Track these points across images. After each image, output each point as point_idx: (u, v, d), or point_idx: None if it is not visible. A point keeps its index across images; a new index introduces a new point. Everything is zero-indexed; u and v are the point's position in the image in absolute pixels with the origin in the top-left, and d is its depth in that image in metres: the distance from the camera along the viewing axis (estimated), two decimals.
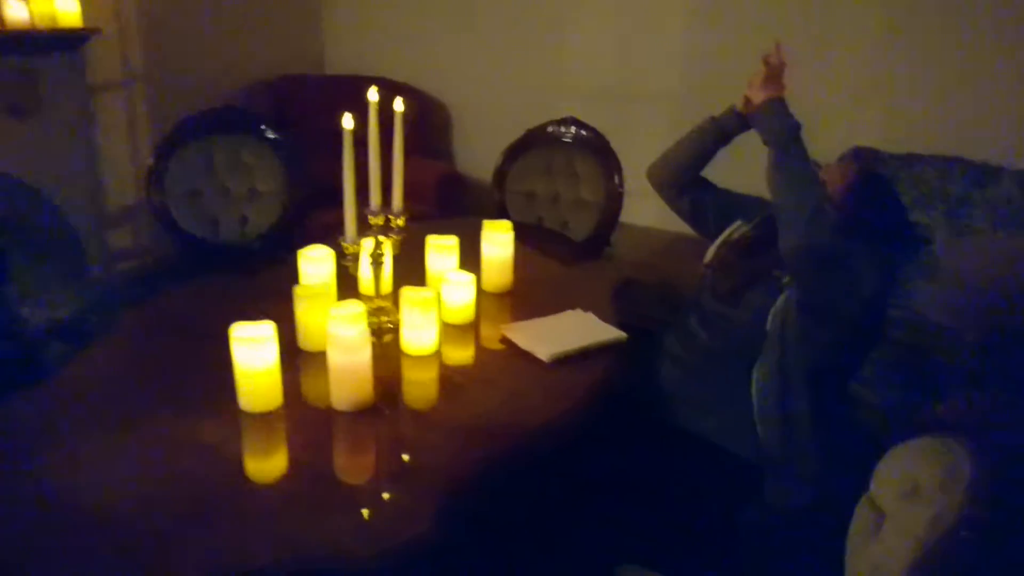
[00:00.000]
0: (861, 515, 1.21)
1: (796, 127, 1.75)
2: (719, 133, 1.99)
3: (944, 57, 3.08)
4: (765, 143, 1.78)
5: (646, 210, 3.04)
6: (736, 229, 2.00)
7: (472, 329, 1.86)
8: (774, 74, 1.82)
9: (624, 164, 2.70)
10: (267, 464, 1.42)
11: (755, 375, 1.76)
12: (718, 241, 2.01)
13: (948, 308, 2.71)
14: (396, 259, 1.79)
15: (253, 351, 1.44)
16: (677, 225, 2.22)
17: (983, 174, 2.89)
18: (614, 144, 2.73)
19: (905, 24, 3.14)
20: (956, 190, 2.92)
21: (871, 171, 2.01)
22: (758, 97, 1.83)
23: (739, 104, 1.93)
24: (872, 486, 1.21)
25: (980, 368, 2.36)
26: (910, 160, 3.05)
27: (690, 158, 2.05)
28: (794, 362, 1.73)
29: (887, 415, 2.40)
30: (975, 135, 3.04)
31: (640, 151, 2.54)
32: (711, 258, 2.01)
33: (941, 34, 3.07)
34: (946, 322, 2.66)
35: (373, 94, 1.65)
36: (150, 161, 2.55)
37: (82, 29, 3.21)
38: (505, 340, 1.79)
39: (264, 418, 1.46)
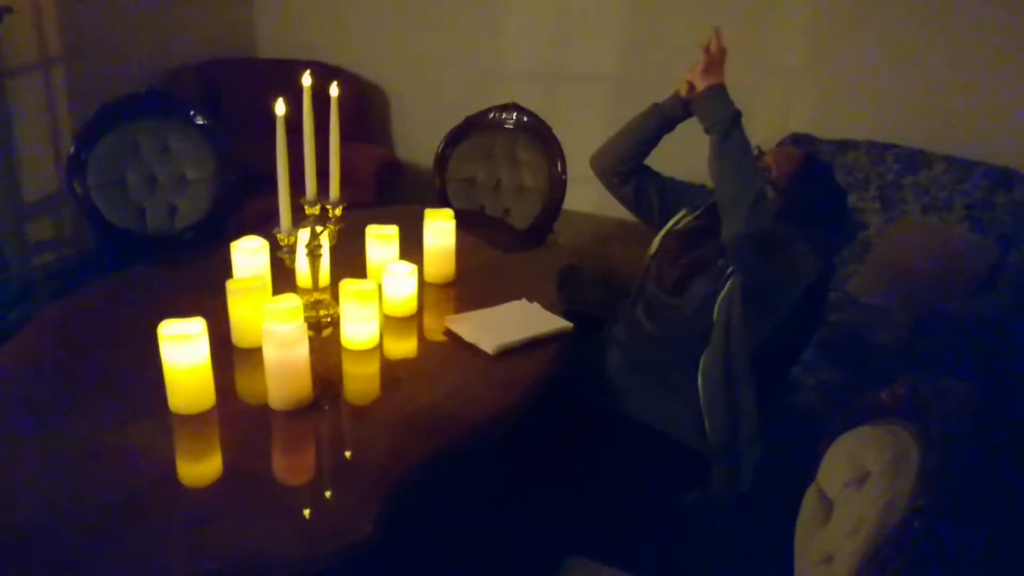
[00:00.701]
0: (809, 503, 1.22)
1: (737, 115, 1.74)
2: (662, 119, 1.98)
3: (875, 42, 3.14)
4: (706, 131, 1.78)
5: (587, 196, 3.03)
6: (680, 218, 2.00)
7: (415, 321, 1.82)
8: (714, 61, 1.81)
9: (565, 149, 2.68)
10: (200, 468, 1.36)
11: (701, 364, 1.77)
12: (663, 231, 2.00)
13: (881, 291, 2.77)
14: (334, 250, 1.74)
15: (183, 349, 1.38)
16: (618, 211, 2.21)
17: (915, 160, 2.96)
18: (555, 130, 2.71)
19: (836, 8, 3.19)
20: (889, 175, 2.99)
21: (815, 157, 2.02)
22: (700, 83, 1.82)
23: (682, 90, 1.92)
24: (819, 474, 1.22)
25: (915, 351, 2.41)
26: (844, 146, 3.11)
27: (634, 145, 2.03)
28: (739, 350, 1.74)
29: (826, 397, 2.45)
30: (907, 121, 3.11)
31: (581, 136, 2.52)
32: (656, 248, 2.00)
33: (873, 18, 3.13)
34: (879, 305, 2.72)
35: (307, 78, 1.59)
36: (71, 148, 2.43)
37: None
38: (449, 332, 1.76)
39: (196, 419, 1.41)
